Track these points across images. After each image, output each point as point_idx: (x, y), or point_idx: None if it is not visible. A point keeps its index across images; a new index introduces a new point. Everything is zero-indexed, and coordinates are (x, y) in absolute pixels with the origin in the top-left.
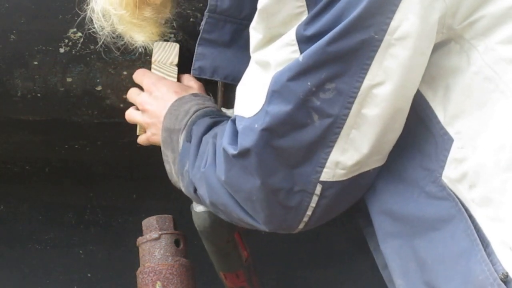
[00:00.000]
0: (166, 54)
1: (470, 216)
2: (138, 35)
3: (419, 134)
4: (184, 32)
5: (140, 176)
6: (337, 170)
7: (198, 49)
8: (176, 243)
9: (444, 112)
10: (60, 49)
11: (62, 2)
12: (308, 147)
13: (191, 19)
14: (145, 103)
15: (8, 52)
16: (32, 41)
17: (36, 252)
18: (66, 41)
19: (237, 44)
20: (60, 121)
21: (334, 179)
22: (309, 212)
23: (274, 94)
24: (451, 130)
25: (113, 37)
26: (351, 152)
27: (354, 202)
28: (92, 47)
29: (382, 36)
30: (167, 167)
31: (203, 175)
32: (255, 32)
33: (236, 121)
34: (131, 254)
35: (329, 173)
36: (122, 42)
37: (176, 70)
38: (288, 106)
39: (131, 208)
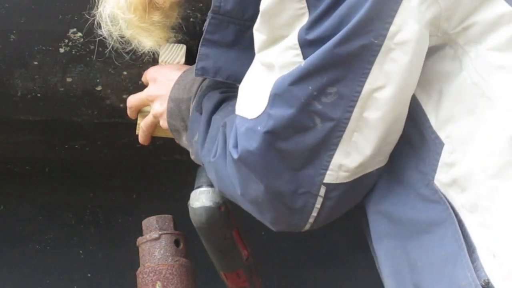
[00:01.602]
0: (173, 54)
1: (460, 221)
2: (146, 40)
3: (414, 137)
4: (184, 32)
5: (140, 176)
6: (340, 173)
7: (201, 50)
8: (176, 243)
9: (436, 116)
10: (60, 49)
11: (62, 2)
12: (311, 150)
13: (191, 19)
14: (152, 91)
15: (8, 52)
16: (32, 41)
17: (36, 252)
18: (66, 41)
19: (240, 45)
20: (60, 121)
21: (338, 181)
22: (314, 214)
23: (276, 97)
24: (442, 135)
25: (122, 42)
26: (354, 155)
27: (358, 201)
28: (92, 47)
29: (381, 41)
30: (175, 134)
31: (213, 165)
32: (259, 33)
33: (238, 122)
34: (131, 254)
35: (332, 175)
36: (130, 48)
37: None
38: (290, 110)
39: (131, 208)
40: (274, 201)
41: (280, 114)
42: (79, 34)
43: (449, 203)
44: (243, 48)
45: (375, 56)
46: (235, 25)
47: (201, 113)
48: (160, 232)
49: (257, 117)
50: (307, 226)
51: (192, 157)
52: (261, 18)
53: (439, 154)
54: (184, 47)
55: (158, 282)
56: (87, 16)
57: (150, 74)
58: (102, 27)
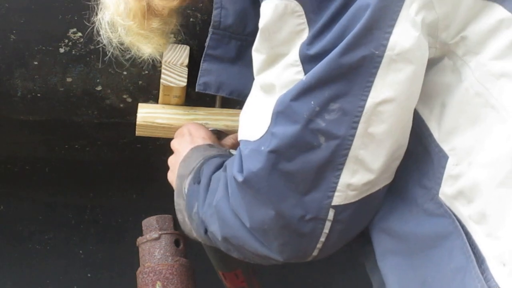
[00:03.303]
0: (177, 55)
1: (467, 233)
2: (146, 47)
3: (416, 152)
4: (184, 32)
5: (140, 176)
6: (348, 192)
7: (203, 65)
8: (176, 243)
9: (438, 129)
10: (60, 49)
11: (62, 2)
12: (316, 171)
13: (191, 19)
14: (170, 163)
15: (8, 52)
16: (32, 41)
17: (36, 252)
18: (66, 41)
19: (243, 60)
20: (60, 121)
21: (346, 202)
22: (322, 239)
23: (279, 115)
24: (445, 147)
25: (121, 50)
26: (361, 172)
27: (366, 225)
28: (92, 47)
29: (382, 52)
30: (179, 216)
31: (215, 210)
32: (258, 53)
33: (241, 146)
34: (131, 254)
35: (340, 197)
36: (129, 55)
37: (187, 71)
38: (294, 126)
39: (131, 208)
40: (281, 226)
41: (283, 131)
42: (79, 34)
43: (455, 215)
44: (246, 64)
45: (377, 68)
46: (237, 41)
47: (199, 183)
48: (160, 232)
49: (260, 138)
50: (315, 252)
51: (194, 235)
52: (261, 36)
53: (443, 167)
54: (188, 48)
55: (158, 282)
56: (87, 23)
57: (172, 145)
58: (101, 34)
